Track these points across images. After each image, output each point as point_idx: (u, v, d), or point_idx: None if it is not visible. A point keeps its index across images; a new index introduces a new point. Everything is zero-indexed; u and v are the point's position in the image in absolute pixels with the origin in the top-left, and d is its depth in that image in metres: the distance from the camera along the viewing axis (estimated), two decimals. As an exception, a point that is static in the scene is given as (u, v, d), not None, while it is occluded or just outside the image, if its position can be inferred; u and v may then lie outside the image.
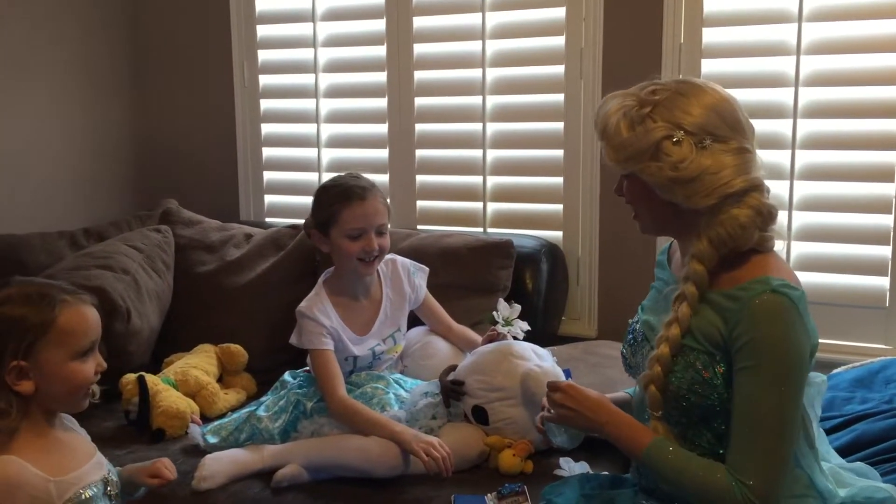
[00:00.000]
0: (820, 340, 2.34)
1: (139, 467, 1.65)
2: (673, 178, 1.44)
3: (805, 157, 2.40)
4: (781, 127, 2.41)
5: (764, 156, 2.39)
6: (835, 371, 2.20)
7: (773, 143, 2.43)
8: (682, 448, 1.48)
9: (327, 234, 2.15)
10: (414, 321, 2.36)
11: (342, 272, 2.18)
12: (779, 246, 2.36)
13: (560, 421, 1.65)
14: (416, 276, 2.28)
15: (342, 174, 2.24)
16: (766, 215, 1.47)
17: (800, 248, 2.44)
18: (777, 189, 2.41)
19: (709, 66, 2.47)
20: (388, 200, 2.88)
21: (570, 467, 1.88)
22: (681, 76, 1.50)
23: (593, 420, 1.56)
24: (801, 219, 2.43)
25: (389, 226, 2.20)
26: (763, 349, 1.39)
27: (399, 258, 2.29)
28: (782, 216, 2.39)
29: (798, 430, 1.44)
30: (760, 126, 2.39)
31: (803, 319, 1.41)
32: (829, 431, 1.91)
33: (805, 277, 2.41)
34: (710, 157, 1.44)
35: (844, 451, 1.80)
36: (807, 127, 2.39)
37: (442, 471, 1.86)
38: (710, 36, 2.46)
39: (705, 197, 1.44)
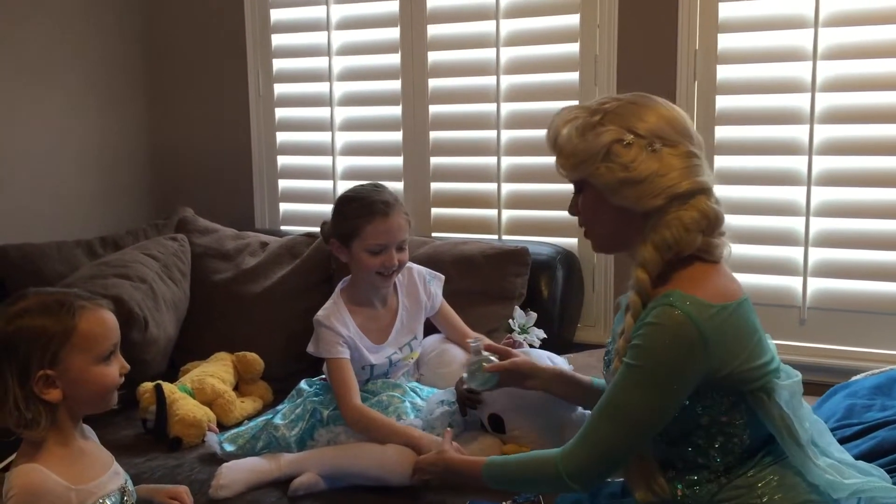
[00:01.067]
0: (839, 347, 2.39)
1: (158, 488, 1.67)
2: (623, 180, 1.45)
3: (822, 164, 2.38)
4: (798, 133, 2.39)
5: (781, 162, 2.43)
6: (854, 378, 2.18)
7: (789, 149, 2.42)
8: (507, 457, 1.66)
9: (348, 246, 2.15)
10: (430, 329, 2.35)
11: (359, 282, 2.18)
12: (786, 252, 2.40)
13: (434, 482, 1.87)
14: (432, 283, 2.28)
15: (364, 184, 2.22)
16: (713, 219, 1.47)
17: (818, 255, 2.42)
18: (794, 195, 2.42)
19: (724, 72, 2.46)
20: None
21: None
22: (635, 92, 1.54)
23: (448, 481, 1.79)
24: (819, 225, 2.41)
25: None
26: (639, 350, 1.41)
27: (415, 266, 2.29)
28: (799, 222, 2.41)
29: (641, 435, 1.45)
30: (778, 132, 2.44)
31: (700, 338, 1.38)
32: (849, 439, 1.89)
33: (823, 284, 2.42)
34: (658, 160, 1.45)
35: (865, 458, 1.77)
36: (824, 133, 2.37)
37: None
38: (725, 42, 2.45)
39: (654, 198, 1.45)
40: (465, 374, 1.93)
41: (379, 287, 2.16)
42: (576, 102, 2.60)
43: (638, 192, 1.45)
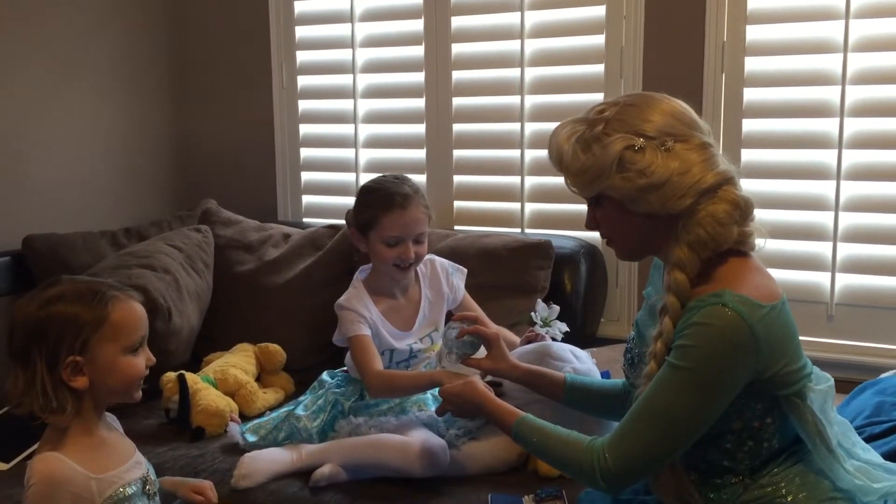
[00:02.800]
0: (868, 344, 2.36)
1: (183, 482, 1.68)
2: (643, 187, 1.40)
3: (852, 157, 2.35)
4: (828, 126, 2.36)
5: (810, 155, 2.39)
6: (883, 375, 2.15)
7: (819, 142, 2.38)
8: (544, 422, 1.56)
9: (366, 236, 2.15)
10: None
11: (378, 273, 2.19)
12: (813, 247, 2.36)
13: (455, 415, 1.82)
14: (455, 276, 2.27)
15: (387, 175, 2.22)
16: (744, 207, 1.43)
17: (847, 250, 2.38)
18: (824, 189, 2.38)
19: (752, 65, 2.43)
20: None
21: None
22: (637, 91, 1.50)
23: (476, 410, 1.70)
24: (848, 220, 2.37)
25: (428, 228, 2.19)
26: (687, 350, 1.35)
27: (438, 259, 2.29)
28: (828, 217, 2.37)
29: (684, 439, 1.39)
30: (807, 125, 2.40)
31: (752, 340, 1.34)
32: (877, 436, 1.86)
33: (851, 280, 2.39)
34: (675, 159, 1.40)
35: (893, 456, 1.75)
36: (854, 126, 2.34)
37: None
38: (754, 33, 2.42)
39: (681, 198, 1.40)
40: (443, 359, 1.95)
41: (397, 279, 2.16)
42: (601, 95, 2.61)
43: (662, 195, 1.40)
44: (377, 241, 2.12)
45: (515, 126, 2.77)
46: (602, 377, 2.02)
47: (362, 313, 2.10)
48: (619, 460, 1.40)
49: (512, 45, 2.74)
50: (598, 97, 2.63)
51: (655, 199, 1.41)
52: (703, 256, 1.41)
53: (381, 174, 2.26)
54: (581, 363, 2.02)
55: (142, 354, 1.49)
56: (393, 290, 2.18)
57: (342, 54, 3.05)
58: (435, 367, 2.27)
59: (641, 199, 1.42)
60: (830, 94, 2.34)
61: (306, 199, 3.22)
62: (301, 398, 2.21)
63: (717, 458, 1.47)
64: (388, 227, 2.09)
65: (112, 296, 1.45)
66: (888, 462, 1.59)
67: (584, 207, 2.63)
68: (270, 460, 1.99)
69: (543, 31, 2.71)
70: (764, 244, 1.49)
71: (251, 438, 2.11)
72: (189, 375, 2.30)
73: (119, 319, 1.44)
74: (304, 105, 3.17)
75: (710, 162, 1.42)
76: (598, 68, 2.64)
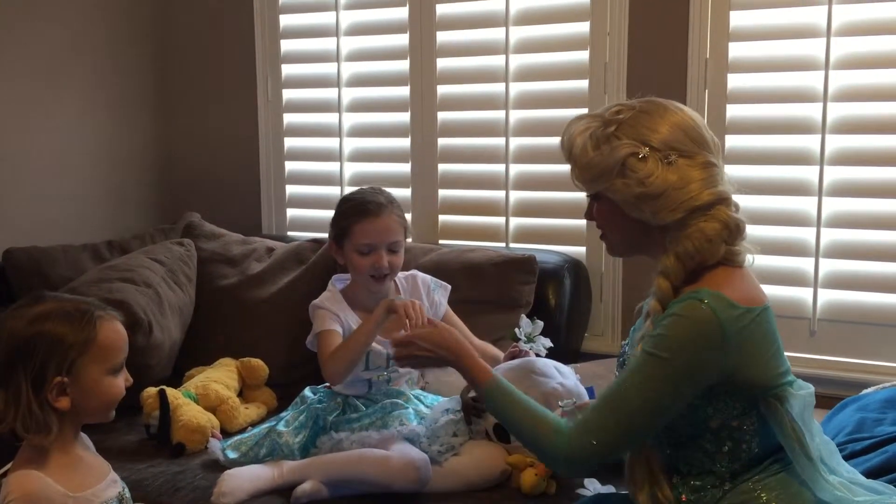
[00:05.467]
0: (850, 360, 2.37)
1: None
2: (639, 195, 1.44)
3: (834, 174, 2.36)
4: (809, 143, 2.37)
5: (791, 172, 2.40)
6: (865, 392, 2.15)
7: (801, 159, 2.39)
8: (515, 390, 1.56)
9: (341, 247, 2.15)
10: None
11: (356, 286, 2.19)
12: (796, 263, 2.38)
13: (414, 366, 1.80)
14: (437, 292, 2.26)
15: (365, 187, 2.24)
16: (734, 229, 1.47)
17: (829, 266, 2.39)
18: (805, 205, 2.39)
19: (735, 81, 2.44)
20: (410, 215, 2.91)
21: (595, 488, 1.85)
22: (648, 97, 1.53)
23: (442, 358, 1.66)
24: (830, 236, 2.38)
25: (410, 240, 2.19)
26: (658, 339, 1.40)
27: (420, 274, 2.28)
28: (810, 233, 2.38)
29: (646, 426, 1.43)
30: (789, 142, 2.41)
31: (720, 336, 1.38)
32: (859, 453, 1.86)
33: (833, 295, 2.40)
34: (675, 173, 1.44)
35: (875, 473, 1.75)
36: (836, 143, 2.35)
37: (416, 320, 1.90)
38: (736, 50, 2.44)
39: (672, 211, 1.44)
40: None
41: (374, 290, 2.16)
42: (585, 110, 2.61)
43: (655, 206, 1.44)
44: (351, 250, 2.13)
45: (500, 141, 2.78)
46: (587, 392, 2.01)
47: (336, 313, 2.11)
48: (583, 444, 1.44)
49: (497, 60, 2.75)
50: (583, 112, 2.63)
51: (648, 208, 1.45)
52: (689, 267, 1.45)
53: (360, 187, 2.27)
54: (566, 380, 2.02)
55: (121, 375, 1.48)
56: (371, 303, 2.17)
57: (327, 68, 3.05)
58: (417, 383, 2.27)
59: (636, 205, 1.46)
60: (812, 111, 2.36)
61: (291, 212, 3.21)
62: (283, 414, 2.19)
63: (697, 458, 1.49)
64: (361, 234, 2.11)
65: (98, 316, 1.44)
66: (871, 481, 1.59)
67: (569, 222, 2.71)
68: (251, 477, 1.97)
69: (528, 47, 2.72)
70: (752, 261, 1.52)
71: (232, 455, 2.09)
72: (170, 391, 2.28)
73: (105, 341, 1.43)
74: (289, 118, 3.16)
75: (709, 181, 1.46)
76: (583, 84, 2.65)
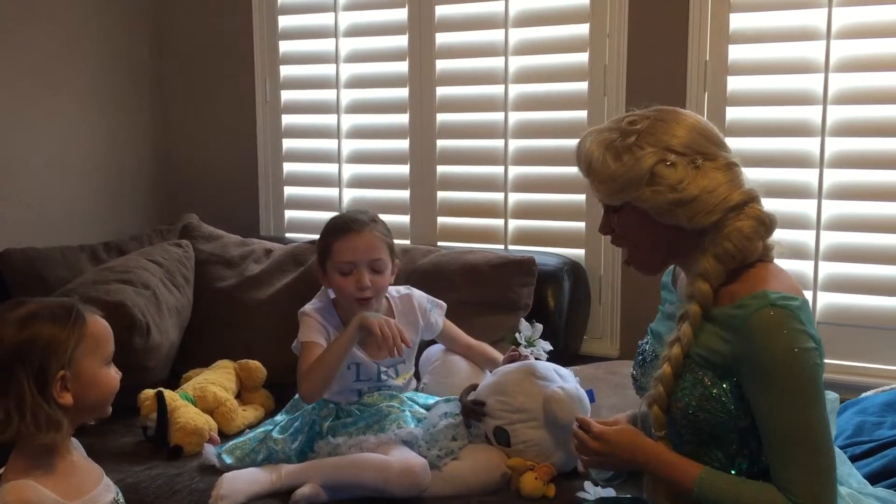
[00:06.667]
0: (849, 363, 2.37)
1: None
2: (674, 201, 1.44)
3: (833, 176, 2.36)
4: (809, 145, 2.37)
5: (791, 174, 2.40)
6: (864, 395, 2.15)
7: (800, 161, 2.39)
8: (726, 474, 1.46)
9: (325, 270, 2.14)
10: (433, 339, 2.34)
11: (345, 308, 2.15)
12: (795, 266, 2.37)
13: (597, 466, 1.64)
14: (433, 313, 2.25)
15: (351, 210, 2.24)
16: (769, 223, 1.48)
17: (828, 269, 2.39)
18: (805, 208, 2.39)
19: (735, 84, 2.44)
20: (408, 217, 2.91)
21: (594, 491, 1.84)
22: (652, 105, 1.54)
23: (630, 462, 1.54)
24: (830, 239, 2.38)
25: (410, 245, 2.17)
26: (771, 365, 1.38)
27: (416, 293, 2.26)
28: (810, 236, 2.38)
29: (830, 438, 1.42)
30: (788, 144, 2.41)
31: (806, 329, 1.39)
32: (858, 457, 1.86)
33: (834, 299, 2.39)
34: (704, 176, 1.45)
35: (875, 478, 1.75)
36: (835, 145, 2.35)
37: (391, 349, 1.96)
38: (736, 53, 2.43)
39: (708, 214, 1.44)
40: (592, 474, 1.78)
41: (358, 313, 2.11)
42: (584, 112, 2.62)
43: (690, 210, 1.44)
44: (333, 270, 2.11)
45: (499, 142, 2.77)
46: (587, 396, 2.01)
47: (322, 323, 2.10)
48: (809, 496, 1.38)
49: (496, 62, 2.75)
50: (582, 115, 2.64)
51: (683, 214, 1.45)
52: (729, 268, 1.46)
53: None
54: (565, 383, 2.02)
55: (113, 367, 1.49)
56: None
57: (326, 69, 3.04)
58: (409, 386, 2.25)
59: (669, 211, 1.46)
60: (812, 113, 2.36)
61: (289, 214, 3.21)
62: (277, 419, 2.19)
63: (717, 458, 1.48)
64: (341, 252, 2.09)
65: (84, 309, 1.45)
66: (879, 490, 1.59)
67: (568, 224, 2.70)
68: (249, 480, 1.96)
69: (527, 49, 2.72)
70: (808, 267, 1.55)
71: (228, 460, 2.08)
72: (167, 393, 2.27)
73: (96, 332, 1.44)
74: (287, 120, 3.16)
75: (735, 181, 1.47)
76: (582, 86, 2.64)
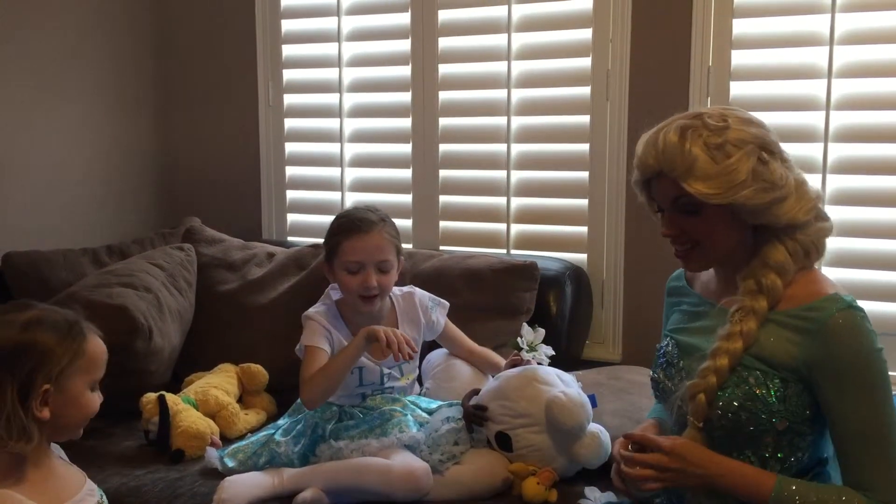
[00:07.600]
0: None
1: None
2: (775, 199, 1.45)
3: (836, 182, 2.36)
4: (812, 151, 2.37)
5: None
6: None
7: (804, 166, 2.35)
8: (801, 480, 1.45)
9: (331, 266, 2.14)
10: (435, 343, 2.33)
11: (349, 305, 2.16)
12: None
13: (664, 486, 1.48)
14: (435, 311, 2.25)
15: (360, 206, 2.23)
16: (830, 230, 1.54)
17: (831, 275, 2.37)
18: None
19: (738, 89, 2.44)
20: (410, 221, 2.90)
21: (596, 497, 1.84)
22: (717, 106, 1.56)
23: (701, 477, 1.45)
24: (833, 244, 2.33)
25: (412, 249, 2.17)
26: (853, 366, 1.41)
27: (417, 291, 2.26)
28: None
29: None
30: (791, 149, 2.38)
31: (874, 330, 1.44)
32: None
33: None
34: (792, 172, 1.49)
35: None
36: (838, 151, 2.35)
37: (396, 354, 1.96)
38: (739, 58, 2.43)
39: (808, 211, 1.48)
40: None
41: (363, 311, 2.13)
42: (587, 117, 2.62)
43: (787, 207, 1.46)
44: (340, 268, 2.11)
45: (502, 147, 2.77)
46: (590, 400, 2.00)
47: (327, 327, 2.10)
48: (890, 494, 1.40)
49: (499, 67, 2.75)
50: (585, 119, 2.64)
51: (782, 212, 1.46)
52: (799, 265, 1.49)
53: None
54: (568, 388, 2.01)
55: (98, 392, 1.47)
56: (363, 322, 2.13)
57: (329, 73, 3.05)
58: (412, 389, 2.25)
59: (768, 209, 1.46)
60: (815, 119, 2.36)
61: (291, 217, 3.21)
62: (279, 422, 2.19)
63: (748, 461, 1.47)
64: (349, 251, 2.09)
65: (86, 328, 1.43)
66: None
67: (570, 229, 2.70)
68: (251, 484, 1.96)
69: (530, 53, 2.72)
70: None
71: (230, 464, 2.08)
72: (169, 396, 2.27)
73: (92, 354, 1.43)
74: (289, 123, 3.16)
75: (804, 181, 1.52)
76: (585, 90, 2.64)
